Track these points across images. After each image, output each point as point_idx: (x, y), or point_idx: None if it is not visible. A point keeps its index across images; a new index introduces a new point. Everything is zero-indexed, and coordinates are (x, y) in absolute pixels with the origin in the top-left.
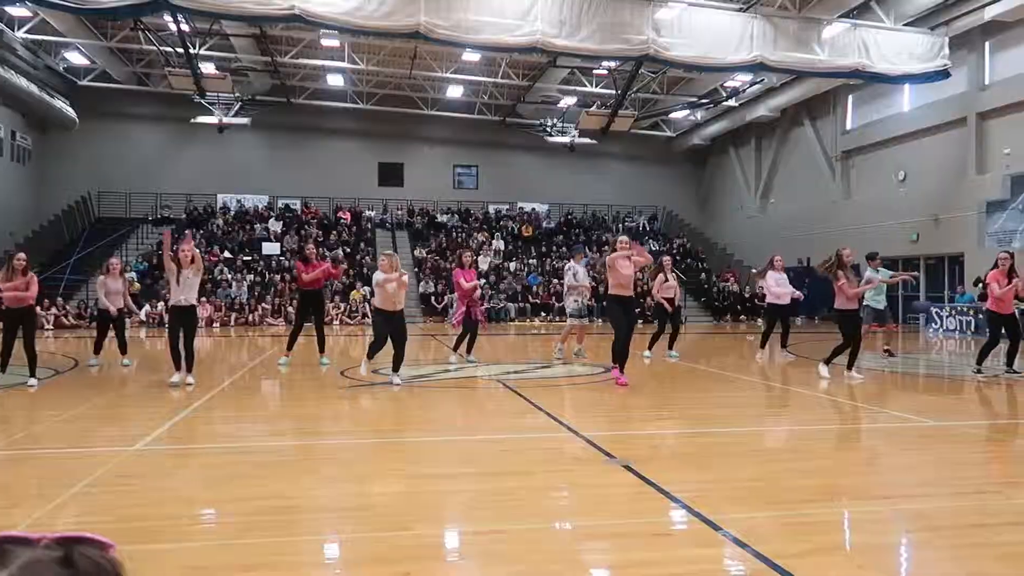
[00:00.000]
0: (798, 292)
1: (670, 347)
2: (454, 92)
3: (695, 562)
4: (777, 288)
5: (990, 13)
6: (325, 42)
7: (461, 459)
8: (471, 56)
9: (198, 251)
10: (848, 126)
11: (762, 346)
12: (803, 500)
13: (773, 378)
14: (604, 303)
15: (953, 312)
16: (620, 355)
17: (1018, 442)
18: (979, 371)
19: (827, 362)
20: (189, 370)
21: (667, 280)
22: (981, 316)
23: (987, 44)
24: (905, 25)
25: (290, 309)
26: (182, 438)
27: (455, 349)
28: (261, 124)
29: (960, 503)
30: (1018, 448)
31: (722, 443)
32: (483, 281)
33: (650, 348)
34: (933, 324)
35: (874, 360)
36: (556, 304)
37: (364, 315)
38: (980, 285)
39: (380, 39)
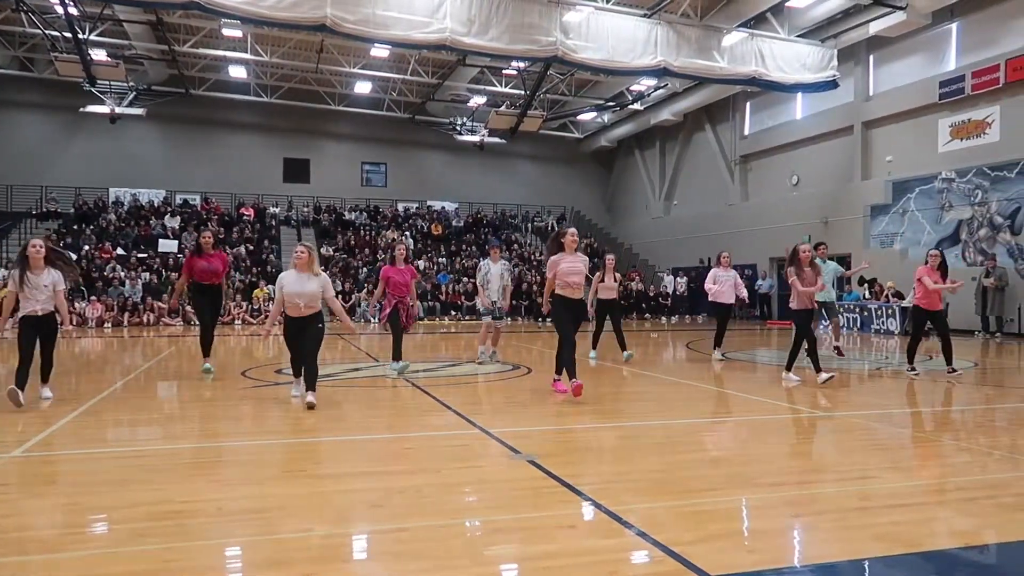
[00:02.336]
0: (744, 292)
1: (593, 346)
2: (362, 88)
3: (597, 552)
4: (715, 286)
5: (874, 28)
6: (227, 32)
7: (366, 458)
8: (380, 52)
9: (62, 250)
10: (746, 131)
11: (716, 346)
12: (700, 490)
13: (681, 374)
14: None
15: (841, 310)
16: (565, 363)
17: (901, 430)
18: (913, 370)
19: (788, 368)
20: (45, 381)
21: (604, 280)
22: (866, 313)
23: (871, 57)
24: (798, 37)
25: (189, 308)
26: (66, 443)
27: (397, 357)
28: (158, 115)
29: (844, 488)
30: (900, 435)
31: (627, 437)
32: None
33: (594, 347)
34: (823, 321)
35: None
36: (465, 303)
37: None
38: (865, 284)
39: (285, 31)
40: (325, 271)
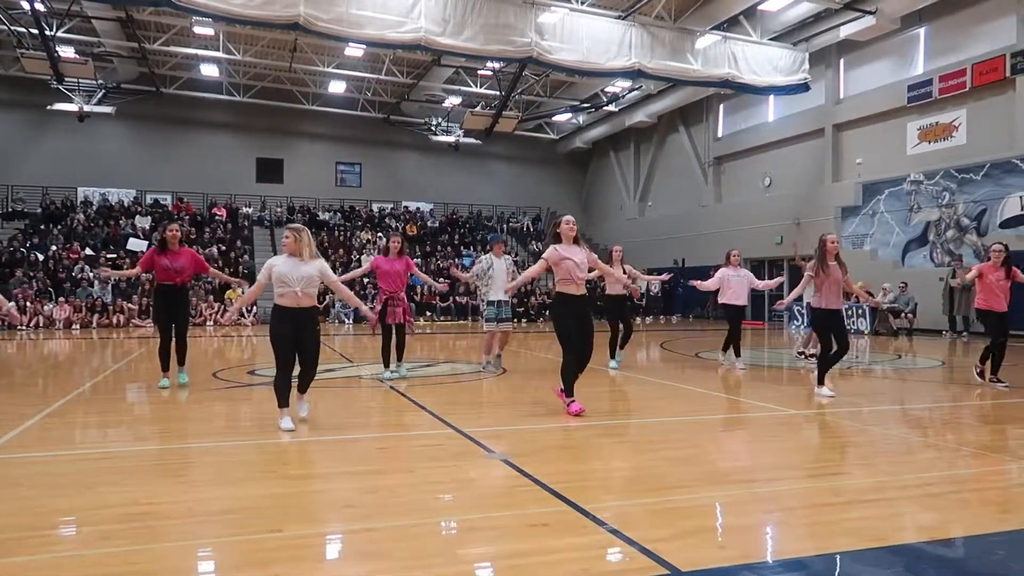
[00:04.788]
0: (775, 280)
1: (611, 354)
2: (336, 87)
3: (570, 550)
4: (728, 288)
5: (844, 32)
6: (198, 30)
7: (338, 459)
8: (354, 51)
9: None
10: (719, 134)
11: (723, 350)
12: (673, 487)
13: (655, 374)
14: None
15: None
16: (569, 378)
17: (871, 428)
18: (1000, 382)
19: (820, 382)
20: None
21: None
22: None
23: (842, 61)
24: (770, 40)
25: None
26: (32, 445)
27: (386, 365)
28: (128, 114)
29: (814, 484)
30: (870, 433)
31: (601, 436)
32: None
33: (612, 356)
34: (795, 321)
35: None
36: (439, 304)
37: (240, 316)
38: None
39: (257, 29)
40: None
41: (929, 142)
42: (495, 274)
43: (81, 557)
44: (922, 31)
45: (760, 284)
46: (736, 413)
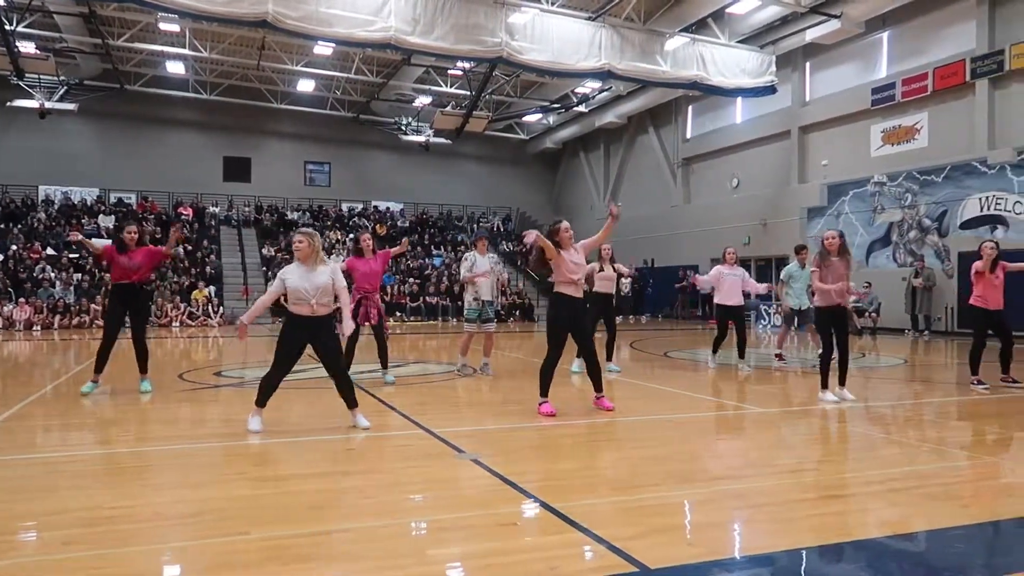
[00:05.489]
0: (757, 287)
1: (608, 356)
2: (305, 86)
3: (540, 549)
4: (721, 287)
5: (810, 36)
6: (164, 26)
7: (307, 460)
8: (323, 49)
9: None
10: (688, 135)
11: (713, 352)
12: (643, 486)
13: (625, 373)
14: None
15: (780, 311)
16: (545, 377)
17: (836, 425)
18: (981, 383)
19: (824, 385)
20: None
21: (602, 270)
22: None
23: (808, 64)
24: (738, 43)
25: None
26: None
27: (347, 365)
28: (91, 111)
29: (780, 481)
30: (835, 430)
31: (570, 435)
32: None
33: (609, 358)
34: (762, 320)
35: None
36: (410, 304)
37: (207, 316)
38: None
39: (225, 26)
40: (267, 272)
41: (892, 144)
42: (477, 272)
43: (42, 563)
44: (885, 35)
45: (752, 287)
46: (705, 412)
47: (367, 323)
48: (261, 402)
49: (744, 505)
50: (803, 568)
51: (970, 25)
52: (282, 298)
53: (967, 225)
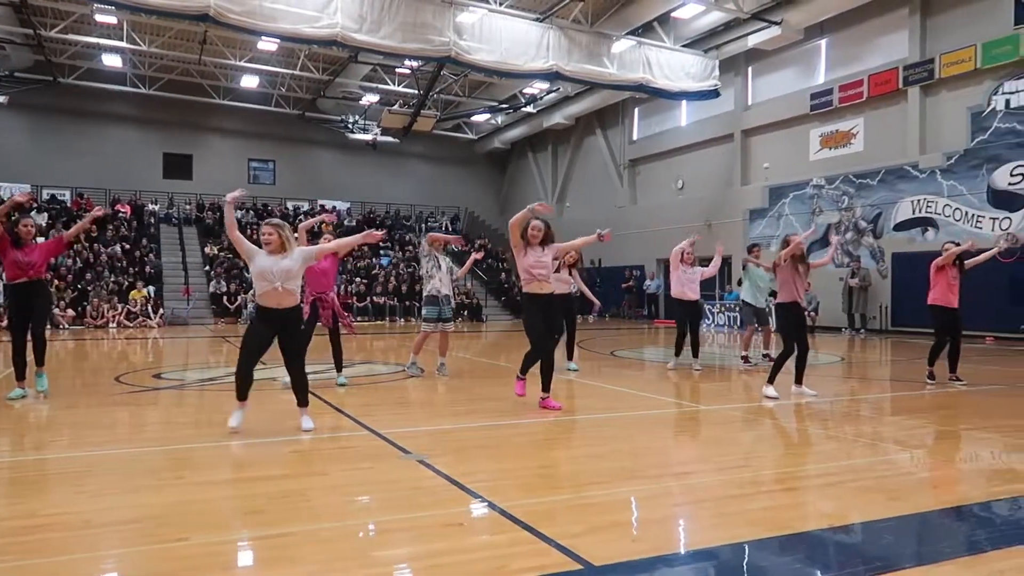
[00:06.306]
0: (713, 267)
1: (568, 356)
2: (249, 82)
3: (486, 548)
4: (680, 284)
5: (752, 41)
6: (100, 18)
7: (248, 463)
8: (267, 45)
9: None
10: (634, 137)
11: (676, 354)
12: (588, 483)
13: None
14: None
15: (723, 309)
16: (529, 365)
17: (776, 422)
18: (957, 379)
19: (770, 380)
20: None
21: (558, 271)
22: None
23: (750, 69)
24: (683, 47)
25: (56, 311)
26: None
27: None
28: (22, 104)
29: (722, 477)
30: (775, 427)
31: (516, 434)
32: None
33: (570, 357)
34: (706, 320)
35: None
36: (356, 304)
37: (146, 317)
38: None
39: (164, 19)
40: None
41: (830, 148)
42: (434, 268)
43: None
44: (823, 42)
45: (708, 272)
46: (652, 410)
47: (326, 325)
48: (241, 395)
49: (688, 501)
50: (745, 561)
51: (903, 35)
52: (250, 294)
53: (900, 227)
